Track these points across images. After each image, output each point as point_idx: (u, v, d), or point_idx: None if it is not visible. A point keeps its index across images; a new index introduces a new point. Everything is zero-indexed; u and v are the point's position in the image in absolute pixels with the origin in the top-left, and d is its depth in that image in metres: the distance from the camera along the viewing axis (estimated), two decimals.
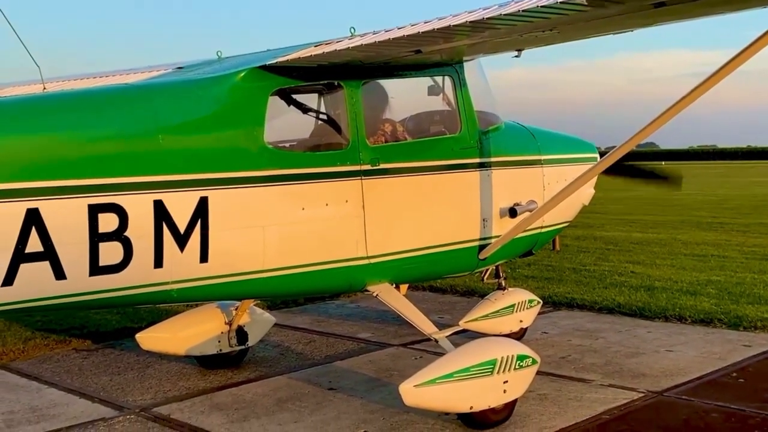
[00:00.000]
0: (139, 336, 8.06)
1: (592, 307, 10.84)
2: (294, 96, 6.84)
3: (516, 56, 6.66)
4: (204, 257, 5.80)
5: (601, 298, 11.19)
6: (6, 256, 5.04)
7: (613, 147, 6.72)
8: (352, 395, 7.20)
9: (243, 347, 8.24)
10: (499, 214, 7.49)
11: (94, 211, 5.30)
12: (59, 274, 5.24)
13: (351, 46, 5.79)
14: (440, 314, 10.46)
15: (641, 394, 7.09)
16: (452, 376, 6.01)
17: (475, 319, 8.48)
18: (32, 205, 5.09)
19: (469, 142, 7.23)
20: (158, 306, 8.86)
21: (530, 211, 7.50)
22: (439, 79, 7.29)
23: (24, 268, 5.10)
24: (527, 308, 8.93)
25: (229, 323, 8.13)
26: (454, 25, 5.13)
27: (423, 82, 7.37)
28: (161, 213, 5.57)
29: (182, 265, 5.73)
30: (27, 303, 5.33)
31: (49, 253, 5.17)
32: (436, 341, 6.67)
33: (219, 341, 8.08)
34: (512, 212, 7.54)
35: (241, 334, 8.16)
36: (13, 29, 6.20)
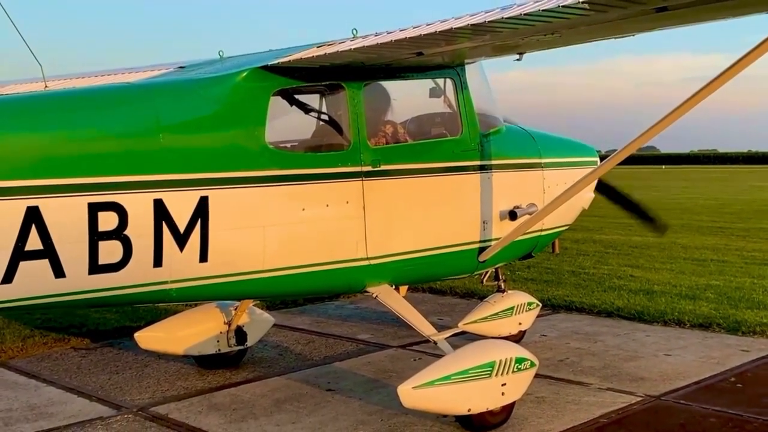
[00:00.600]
0: (137, 335, 8.05)
1: (591, 310, 10.84)
2: (296, 96, 6.84)
3: (517, 59, 6.66)
4: (204, 257, 5.80)
5: (600, 301, 11.19)
6: (5, 253, 5.04)
7: (614, 150, 6.71)
8: (351, 396, 7.20)
9: (242, 347, 8.24)
10: (499, 216, 7.50)
11: (94, 209, 5.30)
12: (58, 272, 5.24)
13: (353, 47, 5.79)
14: (439, 316, 10.46)
15: (639, 398, 7.09)
16: (451, 378, 6.01)
17: (475, 321, 8.51)
18: (32, 203, 5.09)
19: (470, 144, 7.23)
20: (157, 305, 8.87)
21: (530, 214, 7.52)
22: (440, 81, 7.29)
23: (23, 265, 5.10)
24: (526, 311, 8.95)
25: (228, 323, 8.13)
26: (456, 28, 5.13)
27: (424, 84, 7.37)
28: (161, 212, 5.57)
29: (182, 265, 5.73)
30: (26, 301, 5.33)
31: (49, 251, 5.17)
32: (435, 343, 6.67)
33: (218, 341, 8.07)
34: (512, 215, 7.55)
35: (240, 335, 8.15)
36: (15, 27, 6.21)
